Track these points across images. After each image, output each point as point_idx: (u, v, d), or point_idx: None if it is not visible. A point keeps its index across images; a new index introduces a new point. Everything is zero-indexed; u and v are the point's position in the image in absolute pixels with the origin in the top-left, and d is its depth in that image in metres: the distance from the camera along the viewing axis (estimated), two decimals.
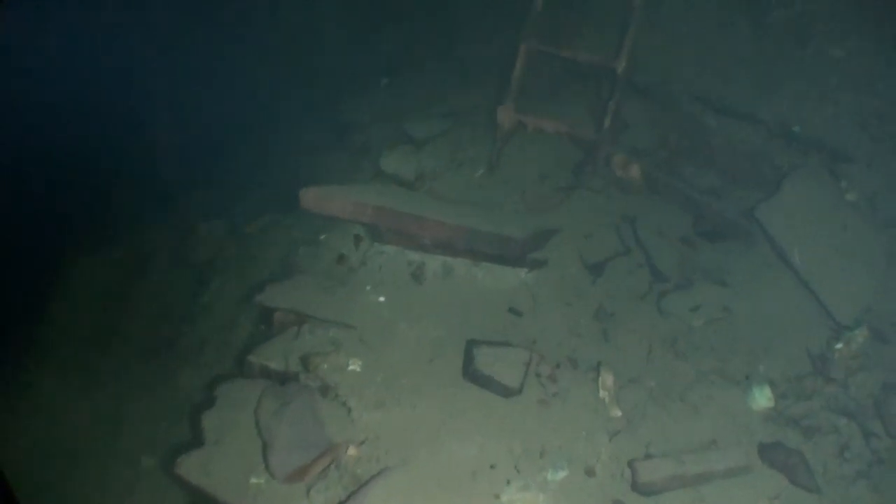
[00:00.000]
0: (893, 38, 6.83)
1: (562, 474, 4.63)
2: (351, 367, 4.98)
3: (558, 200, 6.25)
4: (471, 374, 4.94)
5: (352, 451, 4.63)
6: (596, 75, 6.93)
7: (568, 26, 7.34)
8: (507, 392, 4.92)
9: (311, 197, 5.86)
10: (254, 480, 4.69)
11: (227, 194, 8.53)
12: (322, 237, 6.56)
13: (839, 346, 5.38)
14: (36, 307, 7.34)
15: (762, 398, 5.02)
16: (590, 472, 4.62)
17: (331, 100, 9.19)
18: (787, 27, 7.17)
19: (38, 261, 7.84)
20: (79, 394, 6.42)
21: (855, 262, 5.85)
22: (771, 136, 6.50)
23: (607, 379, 5.01)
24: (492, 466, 4.64)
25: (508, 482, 4.60)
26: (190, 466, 4.71)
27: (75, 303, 7.67)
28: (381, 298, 5.44)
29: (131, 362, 6.88)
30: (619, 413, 4.94)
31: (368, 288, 5.55)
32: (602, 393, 5.01)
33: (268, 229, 7.24)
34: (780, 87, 6.73)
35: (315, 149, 8.55)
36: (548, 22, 6.92)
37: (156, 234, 8.34)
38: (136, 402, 6.31)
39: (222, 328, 6.53)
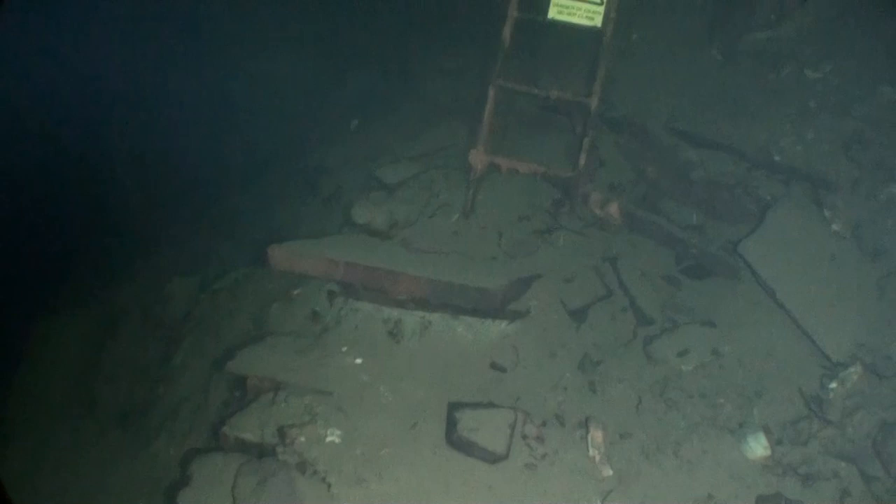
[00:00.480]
0: (869, 59, 6.72)
1: None
2: (329, 439, 4.81)
3: (536, 244, 6.02)
4: (454, 440, 4.78)
5: None
6: (569, 110, 6.73)
7: (538, 61, 7.32)
8: (492, 458, 4.75)
9: (279, 255, 5.72)
10: None
11: (197, 247, 8.26)
12: (295, 292, 6.39)
13: (833, 385, 5.20)
14: (3, 378, 7.05)
15: (758, 447, 4.82)
16: None
17: (301, 143, 9.04)
18: (760, 52, 7.05)
19: (4, 325, 7.54)
20: (51, 472, 6.12)
21: (844, 295, 5.67)
22: (751, 167, 6.33)
23: (597, 436, 4.79)
24: None
25: None
26: None
27: (46, 369, 7.46)
28: (358, 360, 5.22)
29: (106, 430, 6.62)
30: (610, 472, 4.79)
31: (344, 349, 5.34)
32: (592, 451, 4.86)
33: (240, 284, 7.03)
34: (758, 115, 6.58)
35: (285, 196, 8.37)
36: (517, 58, 6.80)
37: (127, 291, 8.12)
38: (111, 475, 6.03)
39: (197, 391, 6.30)
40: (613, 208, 6.26)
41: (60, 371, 7.40)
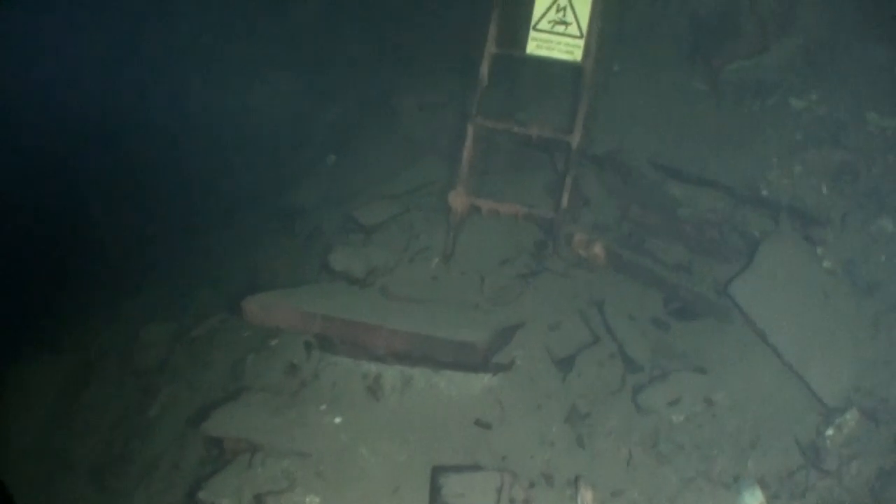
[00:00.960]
0: (856, 86, 6.60)
1: None
2: None
3: (520, 289, 5.85)
4: None
5: None
6: (550, 147, 6.54)
7: (518, 96, 7.20)
8: None
9: (254, 308, 5.58)
10: None
11: (173, 290, 8.03)
12: (273, 343, 6.21)
13: (830, 432, 5.09)
14: None
15: (753, 502, 4.56)
16: None
17: (277, 180, 8.86)
18: (744, 82, 6.93)
19: None
20: None
21: (838, 335, 5.52)
22: (738, 203, 6.18)
23: (587, 495, 4.64)
24: None
25: None
26: None
27: (16, 421, 7.16)
28: (337, 419, 5.07)
29: (79, 486, 6.39)
30: None
31: (323, 407, 5.18)
32: None
33: (216, 332, 6.85)
34: (743, 147, 6.44)
35: (261, 236, 8.20)
36: (496, 93, 6.67)
37: (101, 338, 7.87)
38: None
39: (173, 447, 6.11)
40: (598, 249, 6.10)
41: (32, 421, 7.14)
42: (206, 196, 9.48)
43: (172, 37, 10.53)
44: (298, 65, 10.16)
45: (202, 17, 10.68)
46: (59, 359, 7.75)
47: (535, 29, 6.15)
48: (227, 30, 10.68)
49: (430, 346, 5.26)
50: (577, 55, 6.18)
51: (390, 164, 8.00)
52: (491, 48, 6.20)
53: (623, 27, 7.17)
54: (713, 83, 6.96)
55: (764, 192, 6.13)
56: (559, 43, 6.25)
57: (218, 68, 10.59)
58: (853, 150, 6.22)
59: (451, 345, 5.22)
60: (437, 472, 4.68)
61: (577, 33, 6.20)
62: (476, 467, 4.79)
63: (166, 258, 8.94)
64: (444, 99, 7.93)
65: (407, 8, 9.04)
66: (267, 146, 9.72)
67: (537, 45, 6.24)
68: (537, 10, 6.16)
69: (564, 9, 6.05)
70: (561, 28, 6.18)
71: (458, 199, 6.18)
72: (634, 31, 7.34)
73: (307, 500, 4.70)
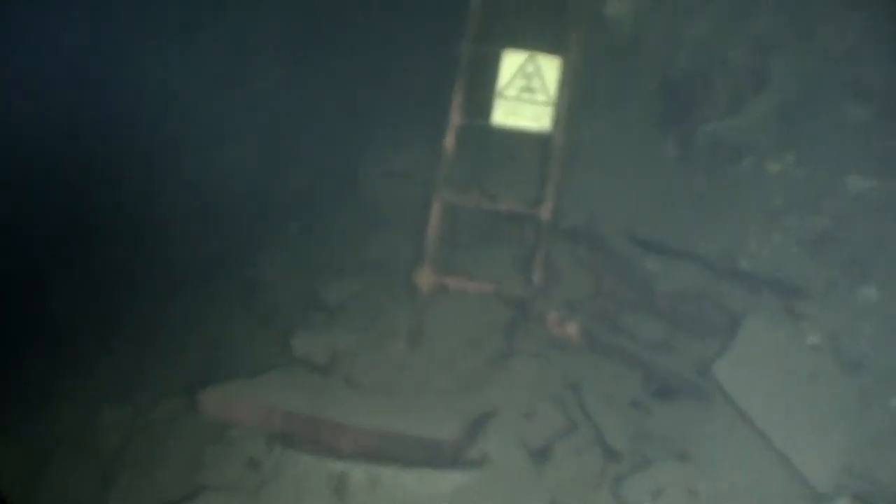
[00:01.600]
0: (834, 147, 6.39)
1: None
2: None
3: (491, 373, 5.67)
4: None
5: None
6: (520, 219, 6.31)
7: (485, 165, 6.97)
8: None
9: (212, 403, 5.47)
10: None
11: (129, 370, 7.73)
12: (232, 433, 5.85)
13: None
14: None
15: None
16: None
17: (237, 251, 8.54)
18: (717, 145, 6.71)
19: None
20: None
21: (826, 415, 5.27)
22: (717, 276, 5.93)
23: None
24: None
25: None
26: None
27: None
28: None
29: None
30: None
31: None
32: None
33: (175, 417, 6.49)
34: (720, 216, 6.22)
35: (221, 311, 7.85)
36: (463, 164, 6.45)
37: (56, 422, 7.42)
38: None
39: None
40: (572, 328, 5.90)
41: None
42: (164, 264, 9.10)
43: (124, 101, 10.00)
44: (261, 129, 9.86)
45: (168, 77, 10.20)
46: (13, 441, 7.31)
47: (501, 96, 5.89)
48: (187, 95, 10.08)
49: (397, 444, 5.03)
50: (546, 123, 6.01)
51: (354, 235, 7.74)
52: (455, 118, 5.99)
53: (592, 91, 6.94)
54: (685, 147, 6.73)
55: (743, 265, 5.89)
56: (527, 110, 6.08)
57: (189, 131, 10.13)
58: (834, 216, 6.00)
59: (420, 442, 5.00)
60: None
61: (546, 100, 6.03)
62: None
63: (123, 332, 8.46)
64: (409, 167, 7.68)
65: (372, 72, 8.88)
66: (228, 213, 9.31)
67: (504, 114, 6.05)
68: (503, 77, 5.99)
69: (531, 75, 5.84)
70: (528, 95, 6.00)
71: (424, 278, 5.95)
72: (603, 95, 7.14)
73: None
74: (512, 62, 5.87)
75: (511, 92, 5.78)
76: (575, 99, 6.08)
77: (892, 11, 6.52)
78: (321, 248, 7.78)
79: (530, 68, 5.76)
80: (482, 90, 6.07)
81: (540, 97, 5.80)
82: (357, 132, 8.81)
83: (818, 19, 6.82)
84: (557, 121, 5.88)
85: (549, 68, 5.90)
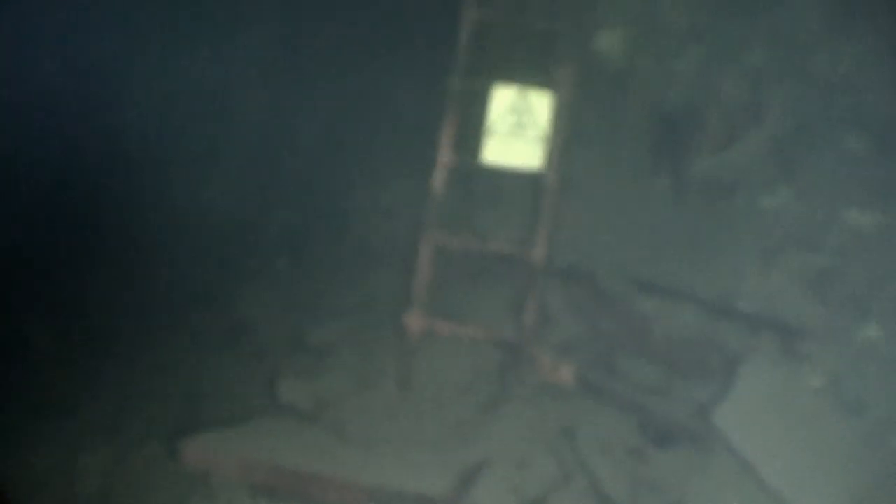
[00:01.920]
0: (830, 180, 6.29)
1: None
2: None
3: (483, 420, 5.54)
4: None
5: None
6: (512, 260, 6.12)
7: (475, 204, 6.82)
8: None
9: (193, 452, 5.34)
10: None
11: (111, 409, 7.52)
12: (215, 483, 5.61)
13: None
14: None
15: None
16: None
17: (222, 288, 8.29)
18: (711, 180, 6.57)
19: None
20: None
21: (830, 460, 5.14)
22: (714, 317, 5.80)
23: None
24: None
25: None
26: None
27: None
28: None
29: None
30: None
31: None
32: None
33: (156, 463, 6.32)
34: (716, 255, 6.09)
35: (205, 349, 7.60)
36: (452, 201, 6.33)
37: (37, 464, 7.18)
38: None
39: None
40: (566, 372, 5.74)
41: None
42: (148, 302, 8.77)
43: (105, 136, 9.76)
44: (246, 163, 9.56)
45: (150, 111, 9.84)
46: None
47: (491, 133, 5.84)
48: (171, 130, 9.83)
49: (386, 500, 4.85)
50: (538, 161, 5.92)
51: (342, 273, 7.56)
52: (444, 156, 5.86)
53: (583, 127, 6.73)
54: (679, 183, 6.59)
55: (741, 305, 5.74)
56: (518, 148, 5.97)
57: (175, 161, 9.70)
58: (833, 252, 5.89)
59: (410, 498, 4.83)
60: None
61: (537, 137, 5.95)
62: None
63: (104, 372, 8.14)
64: (398, 203, 7.55)
65: (359, 106, 8.66)
66: (213, 248, 9.02)
67: (494, 152, 5.96)
68: (493, 113, 5.87)
69: (522, 111, 5.65)
70: (519, 131, 5.93)
71: (414, 322, 5.82)
72: (594, 131, 6.94)
73: None
74: (502, 98, 5.75)
75: (501, 128, 5.63)
76: (566, 135, 5.98)
77: (887, 39, 6.42)
78: (308, 287, 7.59)
79: (521, 104, 5.62)
80: (472, 126, 5.96)
81: (531, 134, 5.69)
82: (344, 167, 8.63)
83: (812, 50, 6.71)
84: (549, 158, 5.78)
85: (541, 104, 5.78)
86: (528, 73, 6.47)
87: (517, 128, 5.66)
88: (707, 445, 5.40)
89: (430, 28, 7.64)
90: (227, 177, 9.46)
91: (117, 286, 8.69)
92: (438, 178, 5.83)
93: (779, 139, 6.56)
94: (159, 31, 9.59)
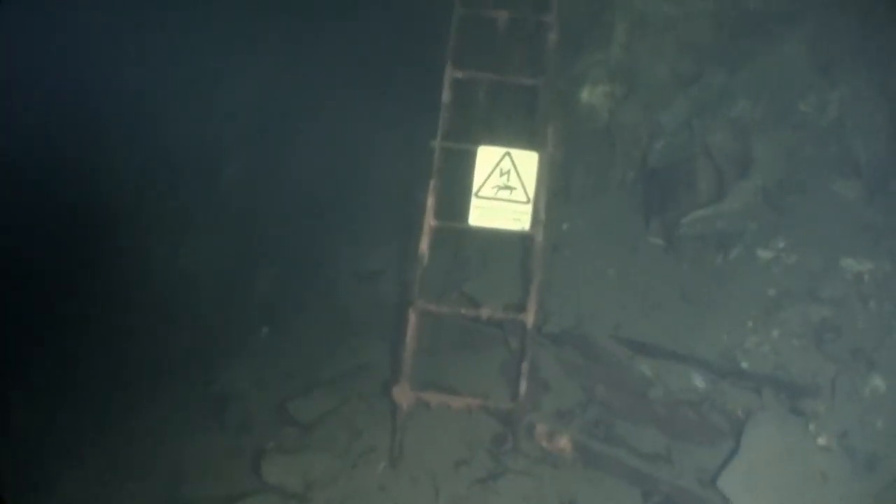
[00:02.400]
0: (824, 229, 6.18)
1: None
2: None
3: (480, 495, 5.36)
4: None
5: None
6: (503, 325, 6.01)
7: (463, 266, 6.74)
8: None
9: None
10: None
11: (91, 487, 7.43)
12: None
13: None
14: None
15: None
16: None
17: (203, 358, 8.12)
18: (704, 233, 6.45)
19: None
20: None
21: None
22: (716, 378, 5.62)
23: None
24: None
25: None
26: None
27: None
28: None
29: None
30: None
31: None
32: None
33: None
34: (713, 312, 5.94)
35: (188, 423, 7.45)
36: (439, 266, 6.25)
37: None
38: None
39: None
40: (564, 442, 5.53)
41: None
42: (129, 373, 8.69)
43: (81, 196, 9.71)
44: (226, 226, 9.51)
45: (132, 171, 10.03)
46: None
47: (477, 196, 5.68)
48: (149, 193, 9.88)
49: None
50: (526, 223, 5.69)
51: (327, 340, 7.39)
52: (430, 220, 5.66)
53: (570, 184, 6.79)
54: (670, 238, 6.45)
55: (743, 364, 5.59)
56: (505, 211, 5.76)
57: (155, 224, 9.87)
58: (832, 303, 5.72)
59: None
60: None
61: (524, 198, 5.73)
62: None
63: (86, 446, 8.06)
64: (382, 267, 7.45)
65: (340, 168, 8.67)
66: (194, 315, 8.96)
67: (481, 215, 5.74)
68: (478, 176, 5.70)
69: (508, 172, 5.61)
70: (506, 193, 5.72)
71: (403, 395, 5.55)
72: (582, 187, 6.94)
73: None
74: (487, 159, 5.62)
75: (487, 192, 5.49)
76: (554, 195, 5.85)
77: (872, 81, 6.43)
78: (292, 356, 7.44)
79: (506, 165, 5.45)
80: (457, 189, 5.80)
81: (518, 196, 5.57)
82: (325, 231, 8.55)
83: (797, 96, 6.68)
84: (537, 221, 5.58)
85: (527, 164, 5.63)
86: (512, 132, 6.38)
87: (504, 190, 5.53)
88: None
89: (412, 88, 7.57)
90: (205, 241, 9.41)
91: (97, 355, 8.66)
92: (424, 244, 5.62)
93: (770, 188, 6.46)
94: (136, 99, 9.62)
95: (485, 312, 5.47)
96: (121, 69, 9.47)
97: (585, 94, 7.13)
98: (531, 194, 5.56)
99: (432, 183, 5.49)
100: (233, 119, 9.80)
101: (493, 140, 5.89)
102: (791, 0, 6.81)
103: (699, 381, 5.69)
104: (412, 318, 5.46)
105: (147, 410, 8.03)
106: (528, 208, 5.63)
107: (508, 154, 5.50)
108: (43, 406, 8.64)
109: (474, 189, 5.63)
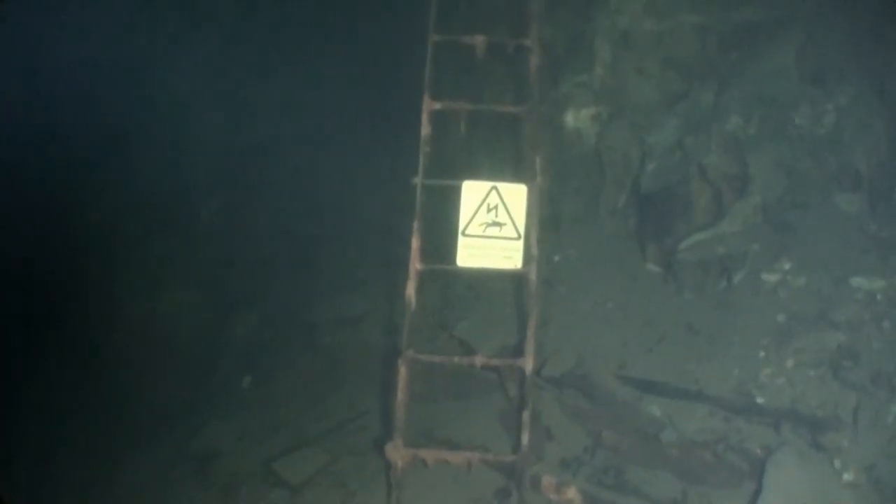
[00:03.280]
0: (830, 247, 5.95)
1: None
2: None
3: None
4: None
5: None
6: (500, 371, 5.71)
7: (454, 308, 6.45)
8: None
9: None
10: None
11: None
12: None
13: None
14: None
15: None
16: None
17: (183, 412, 7.66)
18: (704, 258, 6.19)
19: None
20: None
21: None
22: (731, 415, 5.33)
23: None
24: None
25: None
26: None
27: None
28: None
29: None
30: None
31: None
32: None
33: None
34: (722, 343, 5.65)
35: (171, 483, 6.94)
36: (428, 308, 6.02)
37: None
38: None
39: None
40: (572, 493, 5.19)
41: None
42: (108, 426, 8.11)
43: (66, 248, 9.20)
44: (206, 270, 9.06)
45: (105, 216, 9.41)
46: None
47: (464, 235, 5.37)
48: (126, 233, 9.36)
49: None
50: (518, 261, 5.34)
51: (313, 389, 7.00)
52: (415, 264, 5.33)
53: (560, 216, 6.51)
54: (669, 266, 6.16)
55: (759, 400, 5.30)
56: (495, 248, 5.42)
57: (125, 272, 9.30)
58: (846, 327, 5.45)
59: None
60: None
61: (515, 234, 5.39)
62: None
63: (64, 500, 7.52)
64: (366, 309, 7.15)
65: (320, 208, 8.35)
66: (174, 365, 8.44)
67: (469, 255, 5.40)
68: (464, 213, 5.36)
69: (496, 207, 5.33)
70: (495, 230, 5.39)
71: (397, 453, 5.19)
72: (572, 218, 6.68)
73: None
74: (472, 194, 5.32)
75: (475, 229, 5.17)
76: (545, 228, 5.53)
77: (868, 87, 6.24)
78: (276, 409, 7.01)
79: (494, 200, 5.11)
80: (442, 229, 5.51)
81: (508, 232, 5.29)
82: (305, 273, 8.23)
83: (791, 108, 6.45)
84: (530, 258, 5.23)
85: (515, 198, 5.31)
86: (498, 164, 6.21)
87: (492, 227, 5.20)
88: None
89: (389, 123, 7.35)
90: (181, 287, 9.01)
91: (77, 407, 8.18)
92: (410, 289, 5.29)
93: (769, 206, 6.21)
94: (105, 136, 9.17)
95: (479, 360, 5.15)
96: (92, 103, 9.02)
97: (570, 118, 6.88)
98: (522, 230, 5.24)
99: (416, 224, 5.09)
100: (207, 159, 9.38)
101: (478, 174, 5.60)
102: (778, 9, 6.59)
103: (713, 420, 5.42)
104: (402, 369, 5.14)
105: (126, 472, 7.54)
106: (520, 245, 5.32)
107: (495, 188, 5.14)
108: (22, 465, 8.24)
109: (461, 227, 5.31)
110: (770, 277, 5.93)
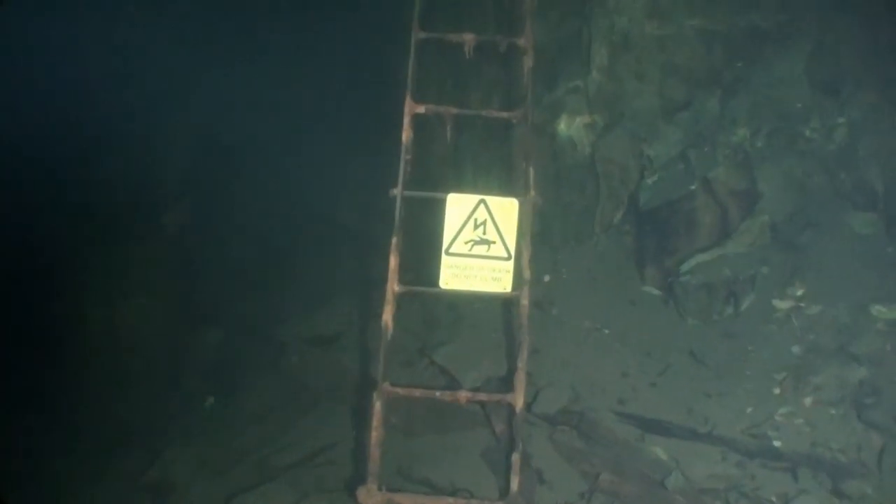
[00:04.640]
0: (845, 271, 5.54)
1: None
2: None
3: None
4: None
5: None
6: (486, 406, 5.24)
7: (434, 333, 5.97)
8: None
9: None
10: None
11: None
12: None
13: None
14: None
15: None
16: None
17: (139, 435, 7.26)
18: (708, 282, 5.76)
19: None
20: None
21: None
22: (744, 460, 4.85)
23: None
24: None
25: None
26: None
27: None
28: None
29: None
30: None
31: None
32: None
33: None
34: (734, 377, 5.17)
35: None
36: (407, 338, 5.63)
37: None
38: None
39: None
40: None
41: None
42: (69, 442, 7.78)
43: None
44: (171, 282, 8.75)
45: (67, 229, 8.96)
46: None
47: (448, 254, 4.82)
48: (88, 248, 8.96)
49: None
50: (507, 284, 4.78)
51: (280, 414, 6.56)
52: (393, 286, 4.77)
53: (552, 233, 6.10)
54: (670, 289, 5.74)
55: (775, 443, 4.83)
56: (481, 269, 4.85)
57: (90, 283, 8.92)
58: (867, 360, 5.01)
59: None
60: None
61: (504, 254, 4.83)
62: None
63: None
64: (339, 329, 6.68)
65: (289, 214, 7.92)
66: (134, 381, 8.15)
67: (453, 276, 4.84)
68: (448, 229, 4.82)
69: (484, 223, 4.83)
70: (482, 249, 4.86)
71: (370, 498, 4.61)
72: (566, 236, 6.27)
73: None
74: (458, 208, 4.80)
75: (460, 248, 4.76)
76: (536, 247, 5.01)
77: (884, 97, 5.82)
78: (240, 433, 6.56)
79: (482, 215, 4.71)
80: (423, 246, 5.02)
81: (497, 251, 4.80)
82: (275, 288, 7.81)
83: (801, 120, 6.01)
84: (521, 280, 4.70)
85: (505, 213, 4.79)
86: (486, 175, 5.83)
87: (479, 245, 4.79)
88: None
89: (368, 127, 6.85)
90: (143, 299, 8.58)
91: (38, 428, 7.75)
92: (387, 313, 4.74)
93: (779, 225, 5.78)
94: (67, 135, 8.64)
95: (463, 395, 4.65)
96: (57, 105, 8.63)
97: (563, 126, 6.38)
98: (512, 249, 4.75)
99: (394, 240, 4.56)
100: (174, 159, 9.12)
101: (464, 185, 5.32)
102: (787, 14, 6.15)
103: (725, 465, 4.93)
104: (377, 404, 4.62)
105: (86, 494, 7.09)
106: (510, 265, 4.80)
107: (483, 202, 4.66)
108: None
109: (444, 245, 4.80)
110: (782, 304, 5.52)
